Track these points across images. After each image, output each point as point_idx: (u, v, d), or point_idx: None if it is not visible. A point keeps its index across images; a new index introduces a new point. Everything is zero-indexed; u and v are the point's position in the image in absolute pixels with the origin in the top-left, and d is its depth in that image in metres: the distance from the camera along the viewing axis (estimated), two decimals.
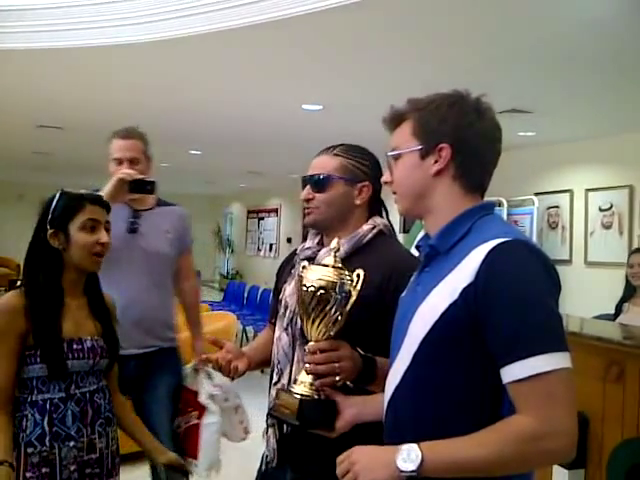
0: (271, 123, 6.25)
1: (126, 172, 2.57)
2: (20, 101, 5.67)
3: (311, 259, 1.68)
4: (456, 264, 1.17)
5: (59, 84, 5.00)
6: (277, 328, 1.72)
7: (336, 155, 1.70)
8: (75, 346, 1.79)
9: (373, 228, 1.69)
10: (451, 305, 1.15)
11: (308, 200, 1.70)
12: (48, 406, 1.76)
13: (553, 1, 2.91)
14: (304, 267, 1.47)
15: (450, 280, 1.17)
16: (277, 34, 3.50)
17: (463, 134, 1.25)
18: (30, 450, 1.73)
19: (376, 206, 1.75)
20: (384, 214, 1.78)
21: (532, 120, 5.43)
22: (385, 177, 1.36)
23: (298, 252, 1.78)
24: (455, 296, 1.14)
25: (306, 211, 1.72)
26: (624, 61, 3.80)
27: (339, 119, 5.97)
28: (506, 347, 1.10)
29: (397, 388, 1.26)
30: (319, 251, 1.71)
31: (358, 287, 1.42)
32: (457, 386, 1.17)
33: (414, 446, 1.10)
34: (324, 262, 1.46)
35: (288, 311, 1.68)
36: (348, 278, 1.42)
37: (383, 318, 1.46)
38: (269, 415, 1.65)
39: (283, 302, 1.72)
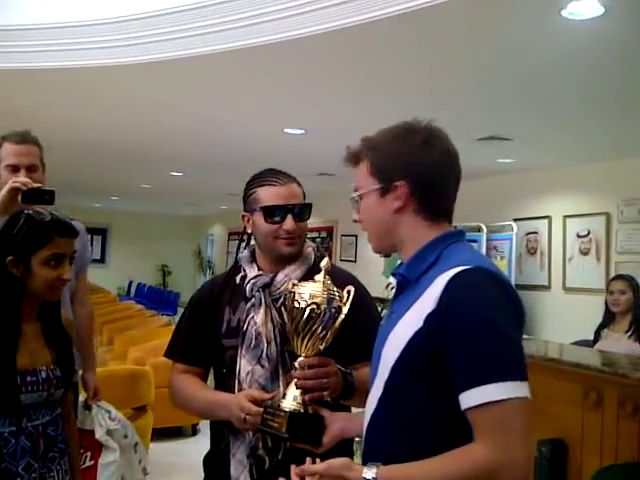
0: (253, 146, 6.26)
1: (21, 180, 2.21)
2: (2, 120, 5.62)
3: (267, 285, 1.69)
4: (422, 292, 1.19)
5: (40, 104, 4.97)
6: (243, 362, 1.66)
7: (298, 184, 1.75)
8: (29, 378, 1.68)
9: (312, 250, 1.78)
10: (416, 332, 1.16)
11: (293, 231, 1.68)
12: None
13: (530, 31, 2.96)
14: (294, 284, 1.50)
15: (416, 308, 1.19)
16: (259, 59, 3.53)
17: (415, 169, 1.27)
18: None
19: None
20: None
21: (511, 147, 5.50)
22: (354, 216, 1.39)
23: (250, 280, 1.72)
24: (420, 324, 1.16)
25: (289, 242, 1.69)
26: (602, 90, 3.88)
27: (321, 144, 6.00)
28: (462, 374, 1.11)
29: (373, 414, 1.27)
30: (275, 277, 1.70)
31: (348, 304, 1.46)
32: (426, 412, 1.18)
33: (373, 468, 1.14)
34: (315, 278, 1.49)
35: (263, 341, 1.64)
36: (337, 294, 1.46)
37: (347, 329, 1.53)
38: (248, 457, 1.62)
39: (251, 333, 1.66)
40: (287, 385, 1.51)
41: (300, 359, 1.47)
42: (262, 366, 1.64)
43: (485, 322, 1.12)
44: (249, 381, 1.64)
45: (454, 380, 1.12)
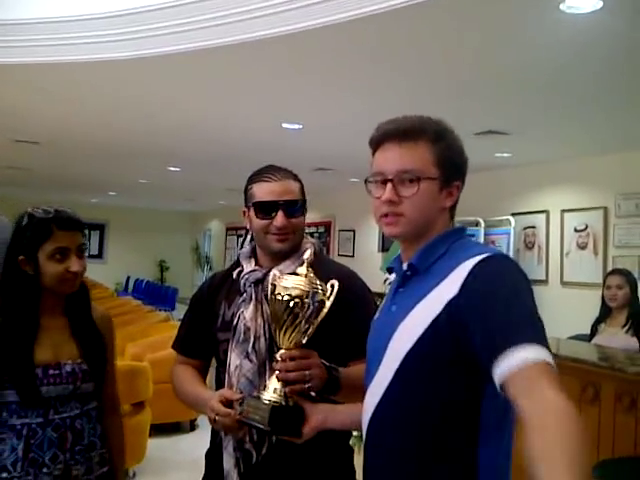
0: (251, 141, 6.25)
1: None
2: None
3: (261, 281, 1.69)
4: (439, 281, 1.19)
5: (37, 99, 4.96)
6: (233, 356, 1.67)
7: (296, 179, 1.74)
8: (52, 371, 1.72)
9: (311, 246, 1.74)
10: (434, 320, 1.16)
11: (284, 227, 1.68)
12: (25, 431, 1.70)
13: (529, 25, 2.96)
14: (276, 276, 1.48)
15: (433, 296, 1.19)
16: (257, 54, 3.52)
17: (465, 168, 1.31)
18: (4, 475, 1.68)
19: None
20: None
21: (508, 141, 5.50)
22: (389, 195, 1.25)
23: (244, 275, 1.73)
24: (438, 310, 1.16)
25: (280, 238, 1.69)
26: (598, 84, 3.87)
27: (319, 139, 6.00)
28: (498, 339, 1.06)
29: (379, 404, 1.26)
30: (268, 272, 1.69)
31: (332, 298, 1.45)
32: (441, 399, 1.18)
33: None
34: (297, 271, 1.47)
35: (251, 336, 1.65)
36: (321, 288, 1.45)
37: (344, 324, 1.57)
38: (235, 450, 1.63)
39: (240, 327, 1.68)
40: (269, 377, 1.50)
41: (281, 351, 1.46)
42: (250, 360, 1.64)
43: (515, 292, 1.13)
44: (237, 375, 1.65)
45: (484, 353, 1.07)
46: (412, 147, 1.25)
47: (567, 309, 5.95)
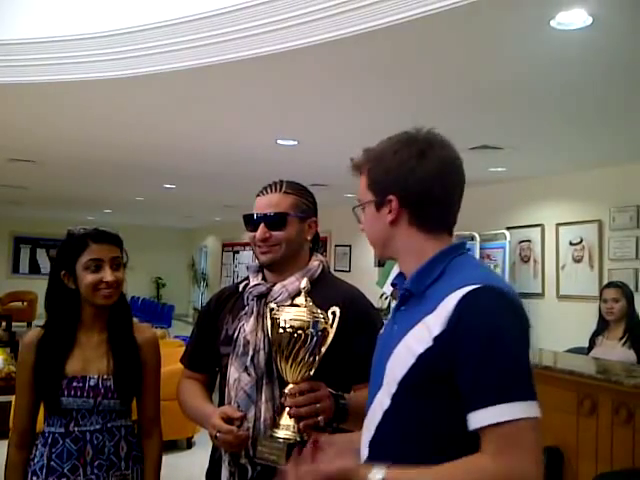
0: (246, 158, 6.27)
1: None
2: None
3: (264, 295, 1.70)
4: (431, 309, 1.19)
5: (32, 118, 4.97)
6: (232, 369, 1.68)
7: (287, 193, 1.74)
8: (75, 383, 1.78)
9: (320, 264, 1.76)
10: (427, 350, 1.16)
11: (265, 239, 1.70)
12: (50, 439, 1.79)
13: (520, 42, 2.99)
14: (273, 309, 1.47)
15: (425, 323, 1.19)
16: (251, 71, 3.54)
17: (405, 183, 1.27)
18: (34, 479, 1.78)
19: (315, 240, 1.81)
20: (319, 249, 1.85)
21: (502, 156, 5.53)
22: (359, 226, 1.39)
23: (248, 289, 1.74)
24: (430, 342, 1.16)
25: (262, 250, 1.71)
26: (591, 99, 3.91)
27: (314, 155, 6.01)
28: (473, 394, 1.11)
29: (378, 427, 1.26)
30: (272, 287, 1.71)
31: (335, 325, 1.43)
32: (439, 426, 1.18)
33: (383, 469, 1.13)
34: (296, 302, 1.46)
35: (250, 349, 1.65)
36: (322, 317, 1.43)
37: (347, 347, 1.54)
38: (230, 464, 1.62)
39: (240, 341, 1.68)
40: (280, 414, 1.48)
41: (290, 386, 1.44)
42: (248, 374, 1.64)
43: (497, 343, 1.12)
44: (236, 388, 1.65)
45: (463, 399, 1.13)
46: (360, 180, 1.37)
47: (564, 322, 5.96)
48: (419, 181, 1.27)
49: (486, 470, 1.08)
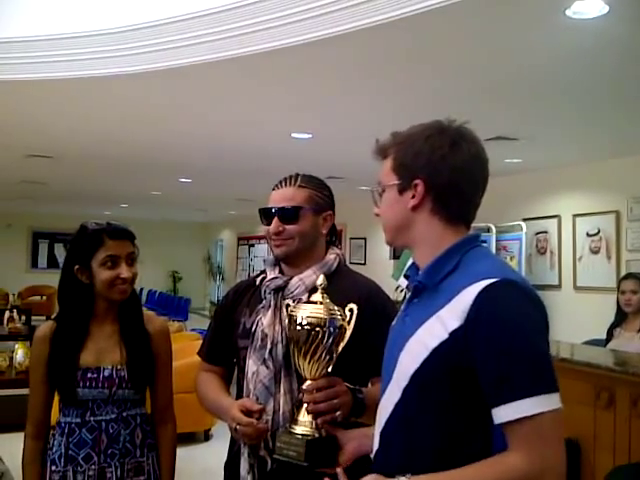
0: (260, 151, 6.28)
1: None
2: (9, 131, 5.68)
3: (281, 288, 1.71)
4: (446, 302, 1.18)
5: (50, 114, 5.01)
6: (250, 362, 1.69)
7: (301, 187, 1.74)
8: (90, 375, 1.82)
9: (336, 257, 1.76)
10: (442, 344, 1.16)
11: (279, 233, 1.71)
12: (67, 429, 1.84)
13: (535, 31, 2.96)
14: (289, 305, 1.48)
15: (440, 317, 1.18)
16: (265, 65, 3.54)
17: (435, 169, 1.26)
18: (53, 468, 1.83)
19: (332, 233, 1.82)
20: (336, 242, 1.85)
21: (518, 147, 5.49)
22: (375, 210, 1.37)
23: (265, 283, 1.75)
24: (445, 336, 1.15)
25: (276, 243, 1.73)
26: (607, 88, 3.87)
27: (328, 148, 6.01)
28: (497, 390, 1.11)
29: (388, 420, 1.26)
30: (289, 280, 1.71)
31: (352, 322, 1.43)
32: (449, 420, 1.17)
33: (402, 478, 1.12)
34: (313, 298, 1.47)
35: (268, 342, 1.66)
36: (339, 314, 1.43)
37: (364, 341, 1.53)
38: (250, 456, 1.63)
39: (258, 334, 1.69)
40: (298, 410, 1.48)
41: (308, 383, 1.44)
42: (267, 367, 1.65)
43: (518, 338, 1.12)
44: (254, 381, 1.66)
45: (486, 395, 1.13)
46: (383, 163, 1.35)
47: (581, 314, 5.92)
48: (450, 169, 1.26)
49: (513, 465, 1.08)
